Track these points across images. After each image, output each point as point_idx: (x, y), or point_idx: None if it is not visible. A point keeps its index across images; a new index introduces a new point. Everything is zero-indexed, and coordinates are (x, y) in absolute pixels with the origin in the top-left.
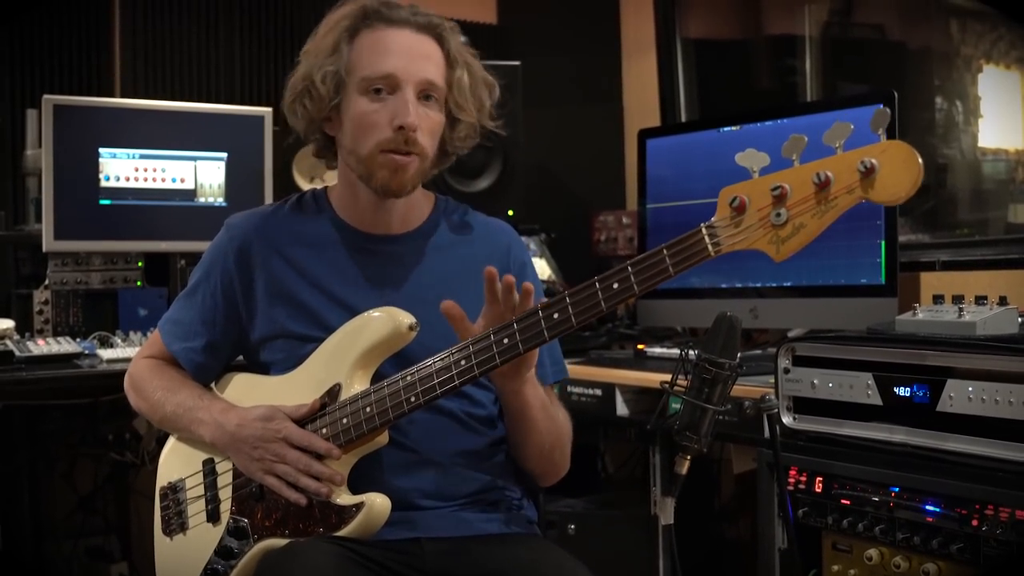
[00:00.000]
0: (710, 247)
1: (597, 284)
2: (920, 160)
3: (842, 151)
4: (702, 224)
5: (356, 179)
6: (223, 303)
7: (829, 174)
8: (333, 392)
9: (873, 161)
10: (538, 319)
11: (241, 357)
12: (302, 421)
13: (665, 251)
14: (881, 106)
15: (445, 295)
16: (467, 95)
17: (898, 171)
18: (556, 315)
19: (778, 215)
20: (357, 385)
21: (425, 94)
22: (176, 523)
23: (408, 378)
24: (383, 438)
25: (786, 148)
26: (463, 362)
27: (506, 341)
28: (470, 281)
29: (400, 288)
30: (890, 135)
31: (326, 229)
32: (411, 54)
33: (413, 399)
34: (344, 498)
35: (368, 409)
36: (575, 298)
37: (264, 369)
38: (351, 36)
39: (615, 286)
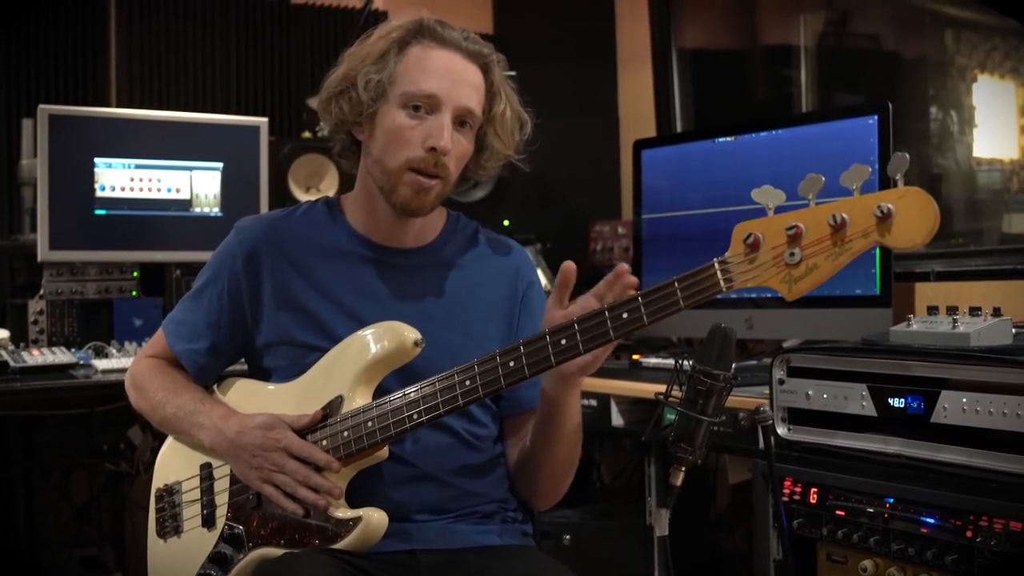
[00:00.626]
0: (722, 282)
1: (606, 313)
2: (936, 208)
3: (859, 193)
4: (715, 259)
5: (376, 190)
6: (229, 306)
7: (845, 216)
8: (335, 404)
9: (890, 206)
10: (545, 344)
11: (244, 361)
12: (303, 432)
13: (677, 284)
14: (875, 119)
15: (453, 312)
16: (507, 129)
17: (914, 218)
18: (564, 341)
19: (792, 254)
20: (359, 398)
21: (461, 120)
22: (170, 525)
23: (412, 395)
24: (383, 453)
25: (803, 187)
26: (468, 383)
27: (512, 364)
28: (478, 298)
29: (409, 302)
30: (883, 147)
31: (338, 238)
32: (456, 78)
33: (416, 416)
34: (342, 511)
35: (370, 424)
36: (583, 325)
37: (266, 375)
38: (401, 48)
39: (624, 316)
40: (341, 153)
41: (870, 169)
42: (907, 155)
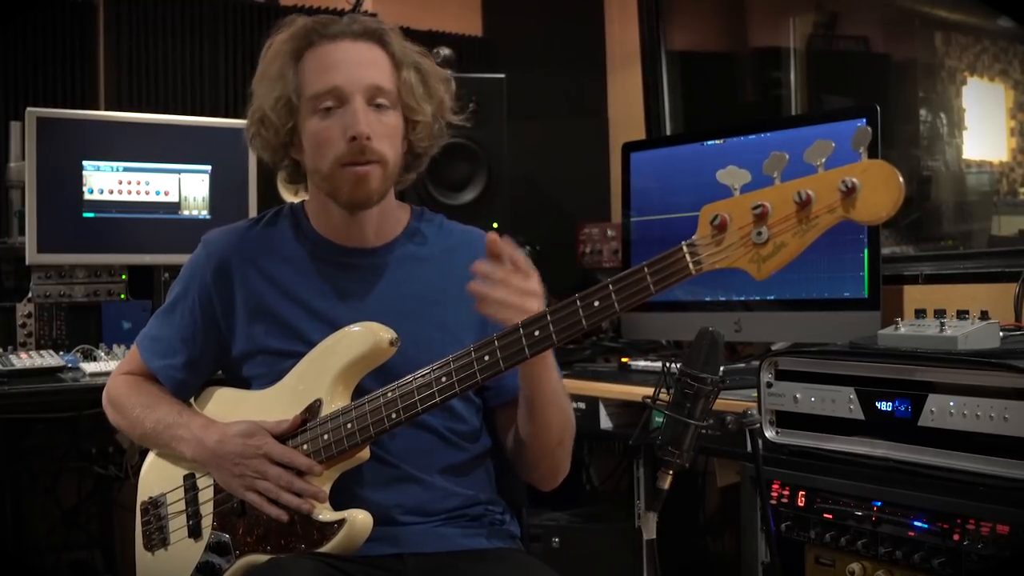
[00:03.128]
0: (691, 265)
1: (578, 302)
2: (901, 180)
3: (823, 169)
4: (683, 242)
5: (325, 197)
6: (202, 320)
7: (810, 193)
8: (314, 408)
9: (854, 180)
10: (519, 336)
11: (221, 372)
12: (283, 437)
13: (646, 269)
14: (864, 122)
15: (426, 306)
16: (418, 95)
17: (879, 191)
18: (537, 332)
19: (759, 234)
20: (338, 400)
21: (375, 101)
22: (157, 538)
23: (389, 394)
24: (364, 454)
25: (767, 166)
26: (444, 379)
27: (487, 358)
28: (450, 291)
29: (381, 301)
30: (871, 150)
31: (303, 244)
32: (353, 63)
33: (394, 416)
34: (326, 514)
35: (349, 425)
36: (556, 315)
37: (245, 384)
38: (295, 59)
39: (596, 304)
40: (290, 179)
41: (833, 144)
42: (869, 128)
